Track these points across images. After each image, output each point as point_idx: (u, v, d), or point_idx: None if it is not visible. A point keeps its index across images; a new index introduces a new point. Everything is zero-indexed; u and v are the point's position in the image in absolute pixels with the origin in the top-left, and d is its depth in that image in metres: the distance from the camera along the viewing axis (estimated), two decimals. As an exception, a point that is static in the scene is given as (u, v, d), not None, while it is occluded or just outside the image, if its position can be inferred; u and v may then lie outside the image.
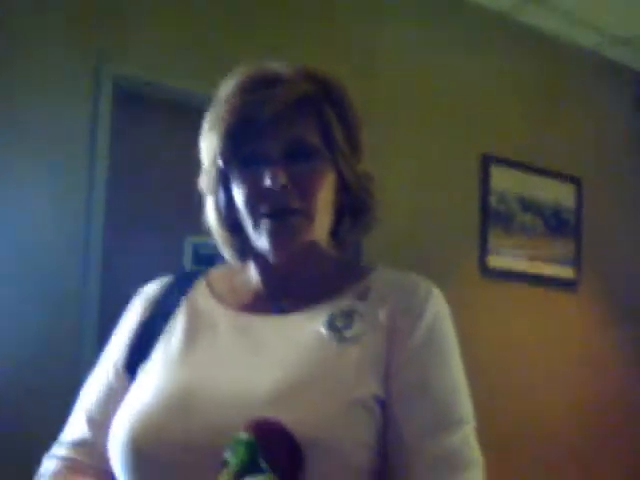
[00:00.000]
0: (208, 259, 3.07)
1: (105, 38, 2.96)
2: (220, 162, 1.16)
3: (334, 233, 1.23)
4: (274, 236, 1.14)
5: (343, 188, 1.20)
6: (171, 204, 3.03)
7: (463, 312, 3.72)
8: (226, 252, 1.25)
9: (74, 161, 2.87)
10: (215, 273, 1.30)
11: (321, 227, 1.18)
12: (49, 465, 1.19)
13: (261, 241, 1.15)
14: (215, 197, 1.21)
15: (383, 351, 1.10)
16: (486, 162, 4.05)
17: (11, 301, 2.68)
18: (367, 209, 1.23)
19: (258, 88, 1.13)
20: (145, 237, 3.04)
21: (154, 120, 3.12)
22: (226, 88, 1.17)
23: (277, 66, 1.18)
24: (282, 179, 1.11)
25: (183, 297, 1.24)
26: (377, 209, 1.24)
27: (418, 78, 3.87)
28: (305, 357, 1.09)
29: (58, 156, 2.83)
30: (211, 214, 1.23)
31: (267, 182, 1.12)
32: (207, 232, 1.26)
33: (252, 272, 1.23)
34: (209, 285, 1.26)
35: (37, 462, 1.20)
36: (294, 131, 1.14)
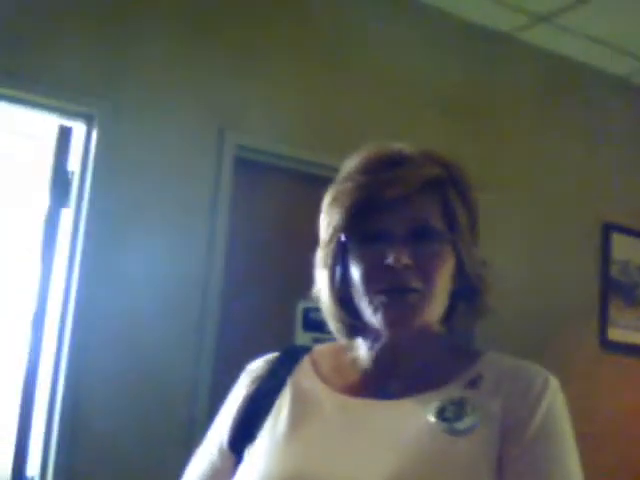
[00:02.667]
0: (318, 324, 3.07)
1: (227, 109, 3.08)
2: (342, 236, 1.16)
3: (446, 318, 1.20)
4: (391, 311, 1.12)
5: (459, 273, 1.18)
6: (286, 269, 3.07)
7: (582, 385, 3.62)
8: (333, 326, 1.24)
9: (195, 227, 2.97)
10: (320, 351, 1.29)
11: (436, 310, 1.17)
12: None
13: (376, 317, 1.13)
14: (331, 271, 1.20)
15: (496, 445, 1.07)
16: (607, 230, 3.93)
17: (129, 375, 2.76)
18: (480, 296, 1.20)
19: (384, 167, 1.14)
20: (260, 302, 3.08)
21: (272, 188, 3.19)
22: (351, 165, 1.18)
23: (402, 146, 1.19)
24: (405, 259, 1.11)
25: (288, 376, 1.24)
26: (489, 296, 1.21)
27: (532, 138, 3.81)
28: (414, 449, 1.06)
29: (181, 221, 2.94)
30: (324, 288, 1.22)
31: (390, 260, 1.11)
32: (315, 300, 1.25)
33: (360, 351, 1.22)
34: (314, 364, 1.25)
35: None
36: (419, 212, 1.14)
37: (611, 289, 3.91)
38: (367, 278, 1.13)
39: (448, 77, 3.62)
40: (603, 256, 3.93)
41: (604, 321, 3.87)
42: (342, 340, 1.24)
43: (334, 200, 1.18)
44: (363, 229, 1.14)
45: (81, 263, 2.72)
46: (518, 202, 3.69)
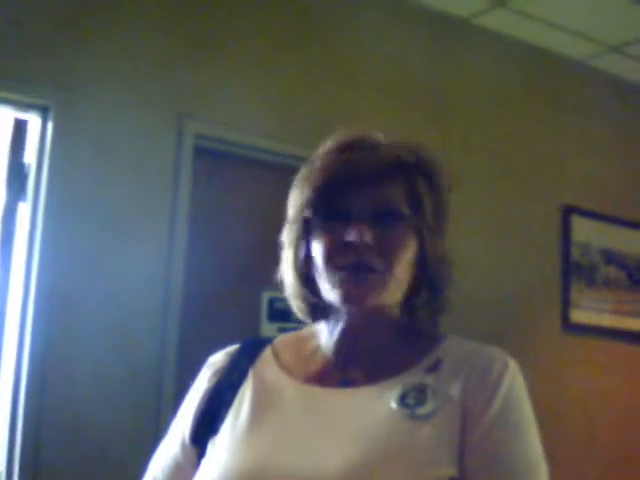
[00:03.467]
0: (283, 313, 3.07)
1: (186, 97, 3.05)
2: (308, 213, 1.17)
3: (406, 306, 1.21)
4: (349, 287, 1.12)
5: (422, 261, 1.18)
6: (248, 258, 3.06)
7: (544, 367, 3.66)
8: (296, 307, 1.24)
9: (155, 217, 2.94)
10: (282, 341, 1.29)
11: (395, 294, 1.17)
12: None
13: (334, 292, 1.14)
14: (295, 249, 1.21)
15: (456, 429, 1.07)
16: (568, 213, 3.97)
17: (94, 363, 2.74)
18: (442, 288, 1.20)
19: (355, 149, 1.16)
20: (222, 290, 3.07)
21: (231, 176, 3.17)
22: (324, 147, 1.20)
23: (376, 134, 1.20)
24: (366, 236, 1.12)
25: (250, 367, 1.23)
26: (451, 290, 1.21)
27: (492, 122, 3.84)
28: (376, 437, 1.07)
29: (141, 212, 2.90)
30: (288, 267, 1.22)
31: (350, 236, 1.12)
32: (280, 286, 1.25)
33: (321, 339, 1.22)
34: (275, 354, 1.25)
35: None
36: (384, 193, 1.15)
37: (572, 271, 3.95)
38: (328, 254, 1.14)
39: (410, 64, 3.62)
40: (563, 239, 3.96)
41: (566, 303, 3.91)
42: (305, 323, 1.25)
43: (303, 178, 1.19)
44: (328, 207, 1.15)
45: (40, 257, 2.68)
46: (479, 185, 3.70)
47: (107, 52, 2.89)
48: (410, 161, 1.17)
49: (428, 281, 1.19)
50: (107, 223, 2.82)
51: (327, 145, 1.20)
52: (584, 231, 4.01)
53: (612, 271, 4.09)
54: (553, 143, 4.04)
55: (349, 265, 1.12)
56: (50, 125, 2.76)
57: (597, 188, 4.12)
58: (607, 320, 4.03)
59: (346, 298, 1.13)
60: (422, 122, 3.50)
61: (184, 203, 2.98)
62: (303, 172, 1.20)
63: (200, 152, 3.05)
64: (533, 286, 3.83)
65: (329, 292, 1.15)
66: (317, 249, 1.16)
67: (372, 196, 1.14)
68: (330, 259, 1.14)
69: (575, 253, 3.98)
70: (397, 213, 1.15)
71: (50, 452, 2.62)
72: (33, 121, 2.79)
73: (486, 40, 3.86)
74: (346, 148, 1.17)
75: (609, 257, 4.08)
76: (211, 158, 3.11)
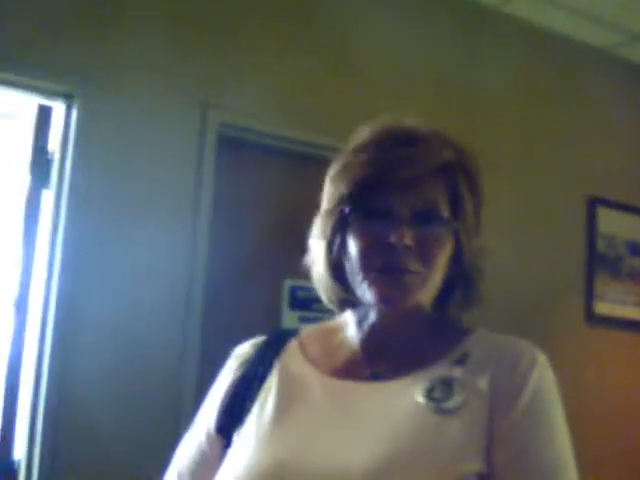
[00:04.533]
0: (305, 302, 3.07)
1: (210, 85, 3.04)
2: (346, 207, 1.15)
3: (437, 302, 1.20)
4: (385, 288, 1.11)
5: (456, 260, 1.17)
6: (271, 247, 3.06)
7: (568, 360, 3.63)
8: (326, 298, 1.23)
9: (178, 206, 2.93)
10: (308, 333, 1.28)
11: (429, 294, 1.16)
12: None
13: (370, 291, 1.12)
14: (329, 242, 1.18)
15: (484, 423, 1.06)
16: (593, 204, 3.93)
17: (114, 354, 2.73)
18: (474, 285, 1.20)
19: (397, 145, 1.13)
20: (245, 279, 3.06)
21: (255, 165, 3.16)
22: (362, 137, 1.17)
23: (415, 124, 1.18)
24: (408, 239, 1.10)
25: (276, 359, 1.22)
26: (483, 286, 1.21)
27: (518, 112, 3.79)
28: (403, 431, 1.06)
29: (164, 201, 2.90)
30: (319, 258, 1.21)
31: (392, 239, 1.10)
32: (305, 276, 1.24)
33: (349, 332, 1.21)
34: (302, 347, 1.24)
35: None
36: (427, 196, 1.13)
37: (597, 263, 3.92)
38: (366, 254, 1.12)
39: (434, 52, 3.59)
40: (589, 230, 3.93)
41: (590, 295, 3.88)
42: (327, 312, 1.24)
43: (343, 170, 1.16)
44: (368, 204, 1.13)
45: (63, 244, 2.68)
46: (503, 177, 3.67)
47: (131, 40, 2.89)
48: (453, 159, 1.15)
49: (462, 279, 1.18)
50: (130, 211, 2.82)
51: (366, 135, 1.17)
52: (609, 222, 3.97)
53: (637, 263, 4.04)
54: (579, 133, 3.99)
55: (387, 267, 1.11)
56: (74, 112, 2.76)
57: (622, 179, 4.07)
58: (632, 312, 3.99)
59: (381, 299, 1.12)
60: (446, 112, 3.46)
61: (207, 192, 2.97)
62: (342, 162, 1.18)
63: (224, 141, 3.04)
64: (557, 277, 3.80)
65: (363, 290, 1.13)
66: (354, 246, 1.14)
67: (413, 197, 1.12)
68: (368, 259, 1.12)
69: (600, 244, 3.94)
70: (438, 216, 1.13)
71: (69, 446, 2.62)
72: (58, 108, 2.79)
73: (512, 28, 3.81)
74: (387, 142, 1.14)
75: (634, 249, 4.04)
76: (235, 147, 3.09)
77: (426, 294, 1.15)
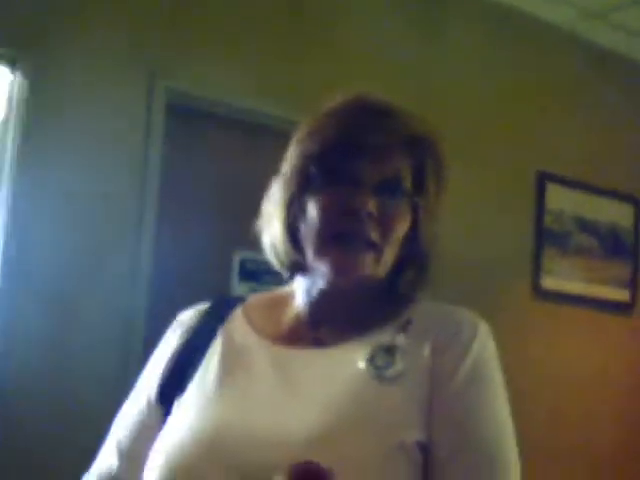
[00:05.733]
0: (255, 275, 3.05)
1: (159, 51, 2.97)
2: (313, 168, 1.12)
3: (389, 281, 1.18)
4: (340, 258, 1.10)
5: (412, 239, 1.16)
6: (221, 218, 3.04)
7: (515, 333, 3.67)
8: (276, 261, 1.20)
9: (126, 175, 2.88)
10: (254, 300, 1.26)
11: (382, 267, 1.14)
12: None
13: (323, 260, 1.11)
14: (288, 205, 1.15)
15: (425, 392, 1.06)
16: (542, 181, 3.96)
17: (56, 327, 2.69)
18: (428, 267, 1.19)
19: (369, 113, 1.13)
20: (194, 251, 3.03)
21: (205, 135, 3.11)
22: (336, 102, 1.16)
23: (388, 99, 1.17)
24: (371, 206, 1.09)
25: (220, 326, 1.20)
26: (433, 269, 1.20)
27: (467, 91, 3.79)
28: (344, 398, 1.05)
29: (110, 171, 2.84)
30: (275, 221, 1.17)
31: (356, 204, 1.08)
32: (256, 248, 1.22)
33: (296, 300, 1.19)
34: (247, 314, 1.22)
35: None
36: (395, 165, 1.12)
37: (545, 238, 3.96)
38: (326, 218, 1.10)
39: (393, 34, 3.56)
40: (537, 206, 3.96)
41: (538, 270, 3.92)
42: (278, 285, 1.23)
43: (313, 131, 1.14)
44: (335, 167, 1.11)
45: (8, 212, 2.64)
46: (454, 153, 3.66)
47: (77, 6, 2.81)
48: (423, 137, 1.15)
49: (415, 259, 1.17)
50: (75, 181, 2.75)
51: (338, 101, 1.15)
52: (558, 198, 4.01)
53: (585, 239, 4.10)
54: (531, 109, 4.00)
55: (345, 233, 1.09)
56: (18, 79, 2.70)
57: (571, 156, 4.10)
58: (578, 288, 4.05)
59: (334, 269, 1.10)
60: (401, 93, 3.43)
61: (155, 161, 2.92)
62: (311, 124, 1.15)
63: (173, 110, 2.97)
64: (505, 252, 3.82)
65: (317, 258, 1.11)
66: (313, 209, 1.11)
67: (382, 164, 1.11)
68: (326, 222, 1.10)
69: (548, 220, 3.98)
70: (403, 187, 1.12)
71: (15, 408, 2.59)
72: (2, 74, 2.71)
73: (465, 6, 3.81)
74: (359, 108, 1.13)
75: (582, 225, 4.09)
76: (184, 116, 3.03)
77: (379, 268, 1.13)
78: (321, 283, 1.15)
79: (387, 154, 1.11)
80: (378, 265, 1.12)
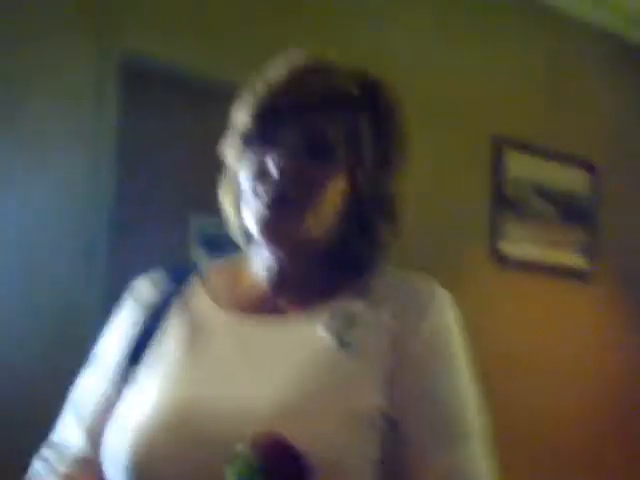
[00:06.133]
0: (214, 239, 3.03)
1: (110, 6, 2.82)
2: (241, 139, 1.14)
3: (342, 243, 1.17)
4: (269, 224, 1.09)
5: (357, 202, 1.14)
6: (180, 184, 3.00)
7: (473, 299, 3.68)
8: (233, 233, 1.22)
9: (80, 139, 2.77)
10: (212, 269, 1.25)
11: (320, 226, 1.12)
12: (39, 467, 1.16)
13: (256, 229, 1.11)
14: (232, 173, 1.18)
15: (386, 358, 1.06)
16: (498, 145, 3.95)
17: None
18: (378, 231, 1.17)
19: (302, 72, 1.11)
20: (152, 217, 2.99)
21: (161, 98, 3.04)
22: (275, 66, 1.14)
23: (331, 57, 1.15)
24: (290, 170, 1.08)
25: (178, 300, 1.19)
26: (392, 234, 1.18)
27: (421, 59, 3.74)
28: (305, 367, 1.05)
29: (61, 138, 2.73)
30: (225, 192, 1.20)
31: (273, 169, 1.08)
32: (215, 213, 1.23)
33: (253, 268, 1.19)
34: (205, 283, 1.21)
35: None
36: (318, 126, 1.10)
37: (502, 204, 3.97)
38: (254, 187, 1.10)
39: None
40: (495, 171, 3.96)
41: (495, 236, 3.94)
42: (238, 252, 1.22)
43: (243, 101, 1.15)
44: (261, 134, 1.11)
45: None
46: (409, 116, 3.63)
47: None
48: (357, 94, 1.13)
49: (362, 221, 1.15)
50: (25, 148, 2.65)
51: (275, 64, 1.14)
52: (516, 163, 4.02)
53: (543, 204, 4.12)
54: (484, 73, 3.96)
55: (270, 199, 1.08)
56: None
57: (528, 120, 4.08)
58: (536, 253, 4.07)
59: (266, 236, 1.10)
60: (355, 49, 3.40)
61: (109, 128, 2.82)
62: (244, 92, 1.15)
63: (128, 73, 2.86)
64: (462, 217, 3.82)
65: (250, 222, 1.12)
66: (243, 175, 1.12)
67: (302, 126, 1.09)
68: (256, 193, 1.10)
69: (506, 186, 3.99)
70: (329, 149, 1.10)
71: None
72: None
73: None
74: (292, 69, 1.11)
75: (540, 191, 4.11)
76: (141, 80, 2.93)
77: (316, 227, 1.12)
78: (266, 252, 1.15)
79: (310, 115, 1.10)
80: (308, 223, 1.10)
